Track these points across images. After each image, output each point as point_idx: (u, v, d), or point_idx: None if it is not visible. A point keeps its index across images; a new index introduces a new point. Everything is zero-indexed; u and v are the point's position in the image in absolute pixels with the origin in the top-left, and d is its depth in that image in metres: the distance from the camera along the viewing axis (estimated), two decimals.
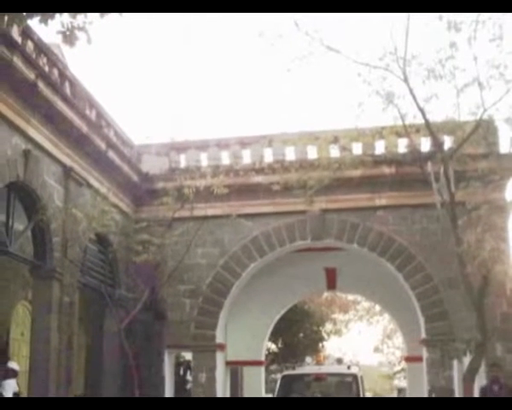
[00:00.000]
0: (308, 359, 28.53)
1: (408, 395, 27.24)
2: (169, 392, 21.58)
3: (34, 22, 8.99)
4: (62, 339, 16.88)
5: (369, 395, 20.22)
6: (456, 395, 19.11)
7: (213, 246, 21.60)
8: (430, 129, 17.49)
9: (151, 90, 79.88)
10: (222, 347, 22.02)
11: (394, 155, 20.37)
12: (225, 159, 22.15)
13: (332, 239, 21.29)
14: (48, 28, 8.69)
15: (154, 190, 21.33)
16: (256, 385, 27.70)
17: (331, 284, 26.39)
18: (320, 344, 41.01)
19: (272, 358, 37.10)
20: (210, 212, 21.10)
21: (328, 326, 42.17)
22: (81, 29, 8.93)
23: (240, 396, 28.71)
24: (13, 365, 15.33)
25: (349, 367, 22.67)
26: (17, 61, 14.35)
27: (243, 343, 25.56)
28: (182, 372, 26.12)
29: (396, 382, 51.01)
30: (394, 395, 49.86)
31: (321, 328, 40.38)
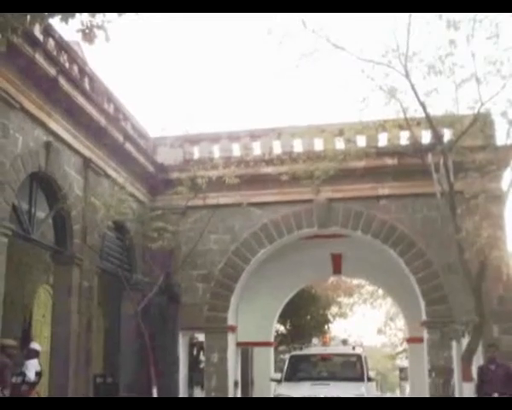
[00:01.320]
0: (315, 340, 28.68)
1: (409, 374, 27.36)
2: (183, 371, 21.68)
3: (55, 21, 9.04)
4: (82, 321, 16.98)
5: (372, 373, 20.20)
6: (455, 374, 19.16)
7: (225, 233, 21.64)
8: (430, 122, 17.48)
9: (166, 85, 79.93)
10: (233, 328, 22.06)
11: (396, 147, 20.33)
12: (236, 151, 22.18)
13: (337, 227, 21.29)
14: (68, 27, 8.74)
15: (169, 180, 21.38)
16: (265, 365, 27.79)
17: (337, 269, 26.38)
18: (326, 326, 40.94)
19: (281, 339, 37.08)
20: (222, 201, 21.15)
21: (334, 309, 42.07)
22: (100, 27, 8.99)
23: (250, 376, 28.86)
24: (35, 345, 15.31)
25: (353, 348, 22.77)
26: (39, 58, 14.42)
27: (253, 325, 25.55)
28: (195, 353, 26.13)
29: (398, 362, 51.13)
30: (396, 373, 50.10)
31: (327, 311, 40.31)
